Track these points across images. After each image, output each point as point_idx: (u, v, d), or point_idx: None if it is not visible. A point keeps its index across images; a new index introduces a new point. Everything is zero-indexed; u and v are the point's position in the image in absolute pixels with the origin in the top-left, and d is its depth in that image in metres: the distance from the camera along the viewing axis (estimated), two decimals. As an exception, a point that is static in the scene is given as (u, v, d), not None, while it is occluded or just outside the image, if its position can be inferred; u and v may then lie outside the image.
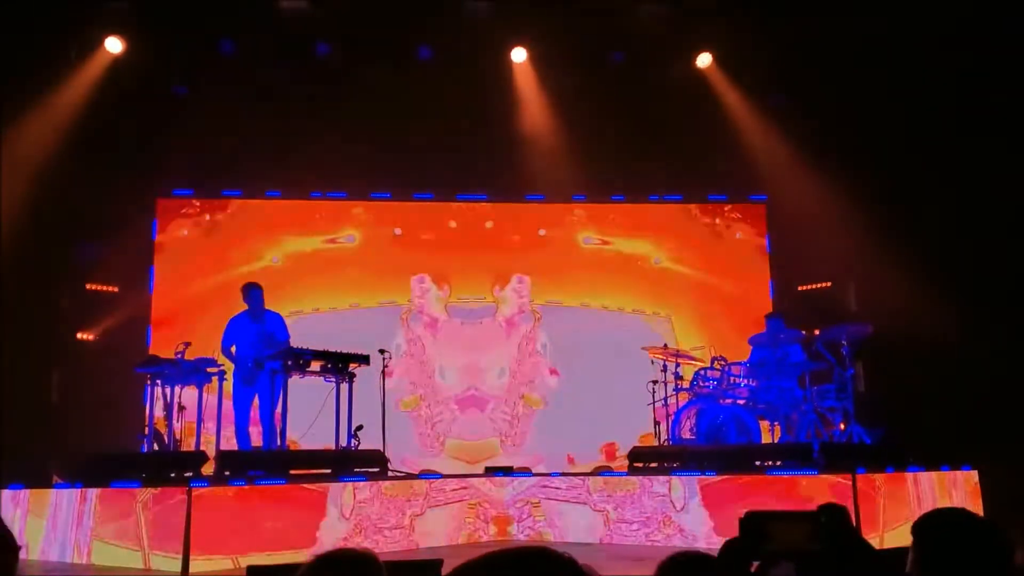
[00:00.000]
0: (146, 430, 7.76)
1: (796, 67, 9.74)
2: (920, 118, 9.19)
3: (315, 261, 10.53)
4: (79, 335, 9.76)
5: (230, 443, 8.08)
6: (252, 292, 8.07)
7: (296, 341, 7.62)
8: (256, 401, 7.89)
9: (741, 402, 8.15)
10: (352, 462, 7.09)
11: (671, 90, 10.16)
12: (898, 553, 4.55)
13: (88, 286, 9.86)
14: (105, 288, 9.93)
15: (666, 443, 8.26)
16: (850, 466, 6.69)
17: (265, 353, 7.57)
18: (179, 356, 7.34)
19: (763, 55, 9.72)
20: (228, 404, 7.99)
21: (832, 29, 9.21)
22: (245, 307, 8.11)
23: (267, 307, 8.20)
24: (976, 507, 7.89)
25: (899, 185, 9.49)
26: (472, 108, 10.02)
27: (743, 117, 9.94)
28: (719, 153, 10.28)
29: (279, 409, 7.33)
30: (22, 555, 6.54)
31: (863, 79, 9.46)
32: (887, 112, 9.40)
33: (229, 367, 7.90)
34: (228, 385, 7.90)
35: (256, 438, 8.00)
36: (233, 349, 7.94)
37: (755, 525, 1.82)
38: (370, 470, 7.09)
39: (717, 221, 11.07)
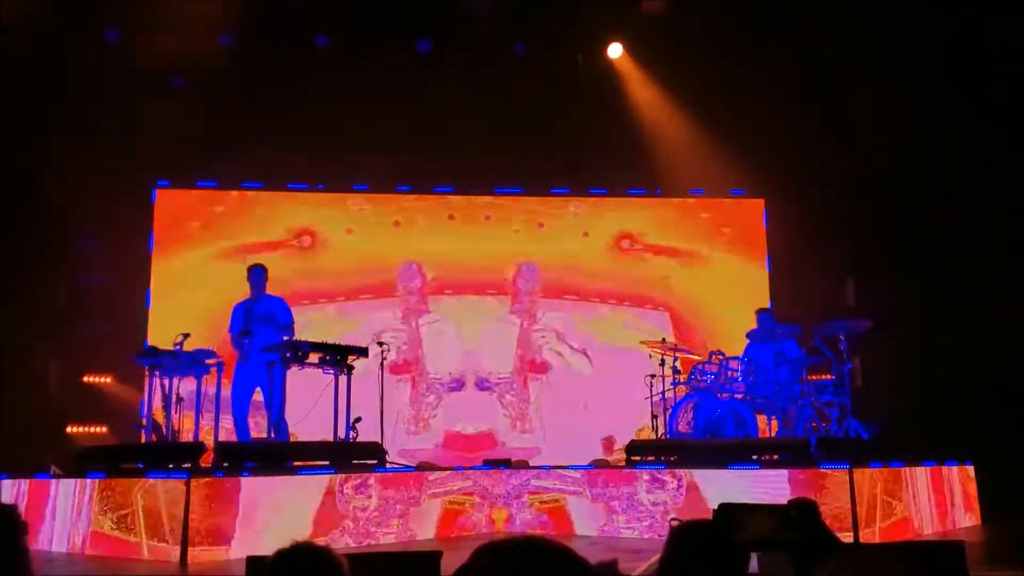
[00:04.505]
0: (144, 421, 7.76)
1: (796, 62, 9.77)
2: (920, 114, 9.20)
3: (316, 255, 10.53)
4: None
5: (228, 434, 8.07)
6: (252, 272, 7.91)
7: (297, 333, 7.60)
8: (256, 392, 7.86)
9: (738, 396, 8.16)
10: (350, 454, 7.10)
11: (671, 86, 10.18)
12: (895, 548, 4.56)
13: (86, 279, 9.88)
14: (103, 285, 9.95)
15: (663, 437, 8.28)
16: (848, 460, 6.70)
17: (261, 332, 7.53)
18: (177, 347, 7.32)
19: (766, 51, 9.74)
20: (227, 395, 7.97)
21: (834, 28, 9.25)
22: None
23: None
24: (973, 501, 7.93)
25: (899, 181, 9.51)
26: (477, 103, 10.05)
27: (743, 113, 9.94)
28: (719, 149, 10.28)
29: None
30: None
31: (863, 74, 9.47)
32: (886, 109, 9.41)
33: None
34: (228, 377, 7.88)
35: (255, 429, 7.99)
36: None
37: (728, 516, 1.92)
38: (368, 462, 7.11)
39: (717, 216, 11.08)
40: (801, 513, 1.87)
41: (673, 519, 2.14)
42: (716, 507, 1.98)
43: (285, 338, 7.37)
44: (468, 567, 1.61)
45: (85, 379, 9.69)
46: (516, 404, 10.47)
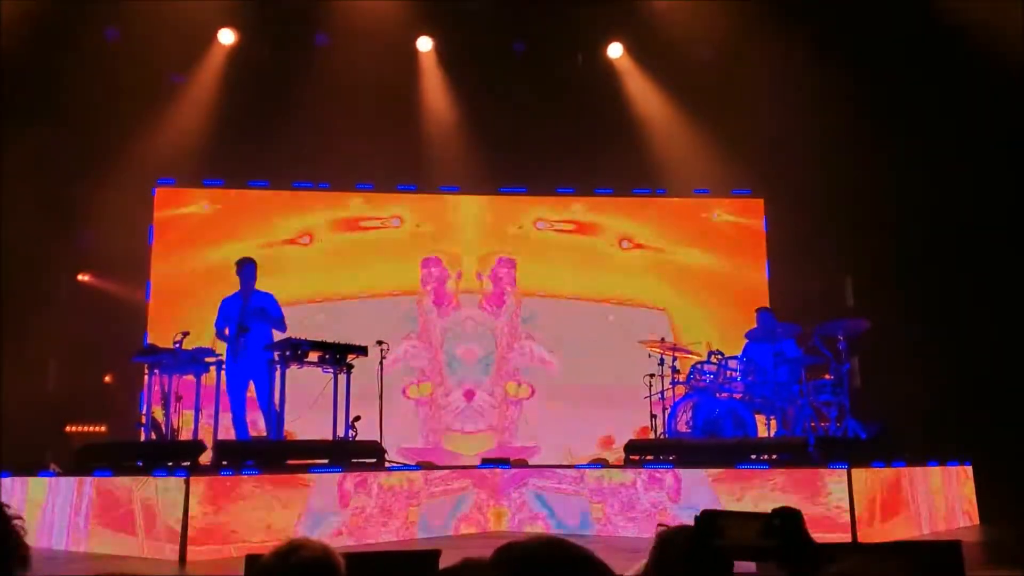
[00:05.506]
0: (143, 419, 7.76)
1: (796, 62, 9.78)
2: (920, 114, 9.21)
3: (317, 253, 10.53)
4: None
5: (228, 432, 8.07)
6: (244, 267, 7.82)
7: (295, 331, 7.59)
8: (252, 389, 7.85)
9: (737, 396, 8.16)
10: (349, 453, 7.11)
11: (674, 84, 10.21)
12: (894, 548, 4.57)
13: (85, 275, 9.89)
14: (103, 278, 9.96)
15: (662, 436, 8.28)
16: (846, 460, 6.70)
17: (255, 326, 7.52)
18: (177, 345, 7.32)
19: (772, 49, 9.75)
20: (226, 393, 7.96)
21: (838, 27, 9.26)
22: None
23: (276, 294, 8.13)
24: (971, 501, 7.94)
25: (899, 181, 9.51)
26: (478, 103, 10.07)
27: (743, 113, 9.94)
28: (720, 149, 10.29)
29: (276, 399, 7.30)
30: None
31: (864, 74, 9.47)
32: (887, 108, 9.42)
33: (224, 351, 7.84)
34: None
35: (254, 427, 7.98)
36: (227, 331, 7.86)
37: (710, 522, 1.97)
38: (367, 461, 7.11)
39: (716, 215, 11.09)
40: (784, 522, 1.89)
41: (660, 524, 2.16)
42: (698, 513, 2.01)
43: (279, 335, 7.37)
44: (490, 566, 1.61)
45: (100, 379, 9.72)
46: (506, 400, 10.49)
